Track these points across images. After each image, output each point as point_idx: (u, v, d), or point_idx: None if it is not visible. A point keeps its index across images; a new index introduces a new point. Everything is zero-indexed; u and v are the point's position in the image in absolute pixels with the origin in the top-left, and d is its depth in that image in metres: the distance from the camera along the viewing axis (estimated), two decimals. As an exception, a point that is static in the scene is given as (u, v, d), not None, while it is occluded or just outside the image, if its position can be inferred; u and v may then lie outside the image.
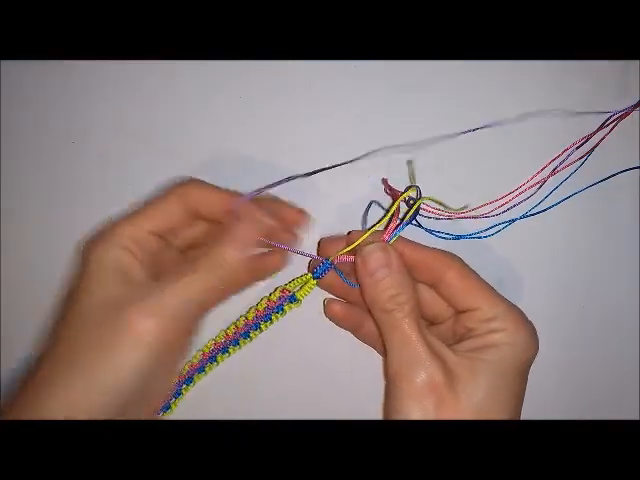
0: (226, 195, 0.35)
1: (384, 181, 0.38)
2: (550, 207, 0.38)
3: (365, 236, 0.34)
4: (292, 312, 0.38)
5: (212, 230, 0.37)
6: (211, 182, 0.35)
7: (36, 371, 0.31)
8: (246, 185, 0.38)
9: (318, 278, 0.37)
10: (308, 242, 0.38)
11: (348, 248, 0.35)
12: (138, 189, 0.39)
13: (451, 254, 0.35)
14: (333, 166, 0.37)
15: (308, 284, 0.37)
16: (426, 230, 0.38)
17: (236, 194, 0.35)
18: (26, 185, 0.40)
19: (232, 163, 0.39)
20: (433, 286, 0.35)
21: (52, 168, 0.40)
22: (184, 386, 0.39)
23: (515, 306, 0.34)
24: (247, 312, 0.39)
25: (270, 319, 0.38)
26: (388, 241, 0.35)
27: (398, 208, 0.35)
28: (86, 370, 0.30)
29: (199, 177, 0.36)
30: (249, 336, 0.38)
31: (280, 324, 0.38)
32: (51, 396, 0.29)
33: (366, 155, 0.38)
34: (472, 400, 0.31)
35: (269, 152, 0.39)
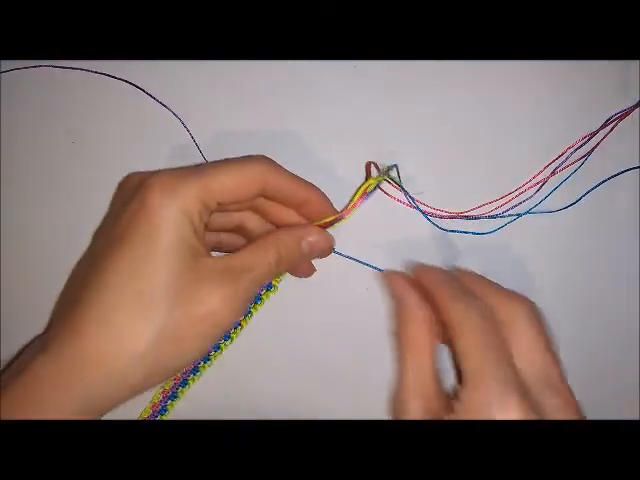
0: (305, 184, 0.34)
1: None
2: (558, 211, 0.38)
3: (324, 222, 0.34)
4: (292, 312, 0.38)
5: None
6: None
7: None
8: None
9: None
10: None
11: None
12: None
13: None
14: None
15: None
16: (437, 226, 0.38)
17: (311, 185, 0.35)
18: (25, 185, 0.40)
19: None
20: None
21: (52, 168, 0.40)
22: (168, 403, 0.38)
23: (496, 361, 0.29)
24: None
25: (250, 312, 0.37)
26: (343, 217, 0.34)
27: (365, 192, 0.35)
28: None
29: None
30: (230, 337, 0.37)
31: (280, 323, 0.38)
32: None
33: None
34: None
35: (269, 152, 0.39)
